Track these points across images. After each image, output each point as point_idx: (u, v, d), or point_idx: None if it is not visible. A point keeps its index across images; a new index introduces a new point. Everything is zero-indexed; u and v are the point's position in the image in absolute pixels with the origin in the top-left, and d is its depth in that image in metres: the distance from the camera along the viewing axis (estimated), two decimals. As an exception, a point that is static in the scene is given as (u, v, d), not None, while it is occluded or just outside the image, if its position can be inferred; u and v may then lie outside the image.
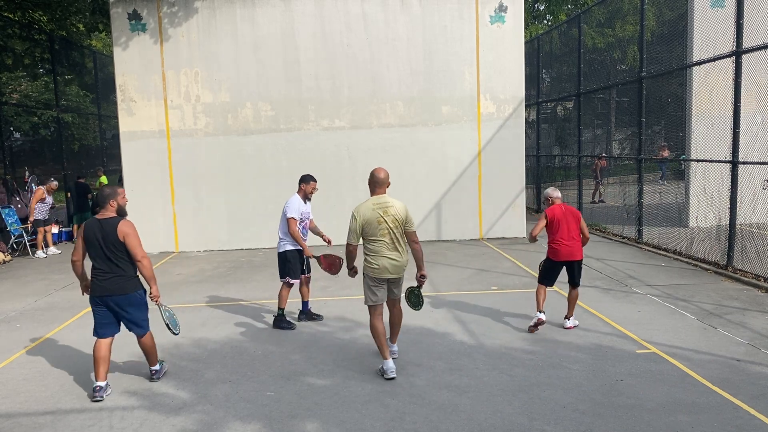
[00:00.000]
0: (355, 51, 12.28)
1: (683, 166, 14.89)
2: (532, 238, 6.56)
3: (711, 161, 10.42)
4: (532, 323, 6.48)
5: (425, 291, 8.19)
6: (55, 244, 12.91)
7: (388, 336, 5.70)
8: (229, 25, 12.11)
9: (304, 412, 4.71)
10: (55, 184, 12.96)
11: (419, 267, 5.43)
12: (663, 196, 15.98)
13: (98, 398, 4.99)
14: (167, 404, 4.92)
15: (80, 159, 22.06)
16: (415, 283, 5.58)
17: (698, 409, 4.56)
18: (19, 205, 13.69)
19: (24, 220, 13.00)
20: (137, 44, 12.06)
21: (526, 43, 14.85)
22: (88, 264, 5.09)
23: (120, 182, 14.46)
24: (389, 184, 5.43)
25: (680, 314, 6.99)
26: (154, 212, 12.28)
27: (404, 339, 6.15)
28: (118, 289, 5.01)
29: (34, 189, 13.42)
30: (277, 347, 6.24)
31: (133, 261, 5.06)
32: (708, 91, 12.10)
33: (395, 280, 5.42)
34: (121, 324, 5.22)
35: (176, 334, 5.50)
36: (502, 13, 12.32)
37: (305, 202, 6.85)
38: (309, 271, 7.04)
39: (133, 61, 12.09)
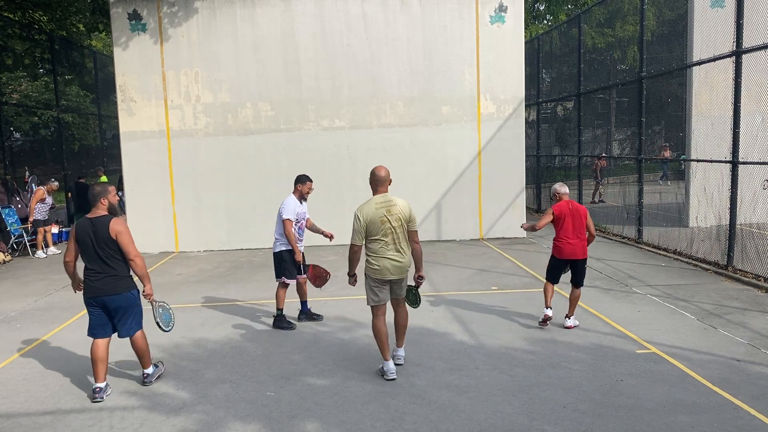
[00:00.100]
0: (355, 51, 12.28)
1: (683, 166, 14.88)
2: (532, 228, 6.58)
3: (711, 161, 10.42)
4: (540, 319, 6.59)
5: (425, 291, 8.21)
6: (55, 244, 12.91)
7: (395, 342, 5.65)
8: (229, 25, 12.11)
9: (304, 412, 4.71)
10: (55, 184, 12.97)
11: (417, 268, 5.41)
12: (663, 196, 15.98)
13: (98, 399, 4.98)
14: (167, 404, 4.92)
15: (80, 159, 22.05)
16: (413, 283, 5.57)
17: (698, 410, 4.56)
18: (20, 206, 13.70)
19: (24, 220, 13.01)
20: (137, 44, 12.06)
21: (526, 43, 14.85)
22: (81, 265, 5.03)
23: (120, 182, 14.48)
24: (391, 181, 5.39)
25: (680, 314, 6.99)
26: (154, 212, 12.29)
27: (405, 339, 6.15)
28: (110, 289, 4.95)
29: (35, 189, 13.42)
30: (277, 347, 6.24)
31: (126, 260, 4.99)
32: (708, 91, 12.10)
33: (398, 281, 5.37)
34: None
35: (166, 332, 5.43)
36: (502, 13, 12.32)
37: (301, 203, 6.84)
38: (305, 272, 7.03)
39: (133, 61, 12.09)
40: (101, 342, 5.05)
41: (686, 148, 12.87)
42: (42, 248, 12.33)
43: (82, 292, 5.13)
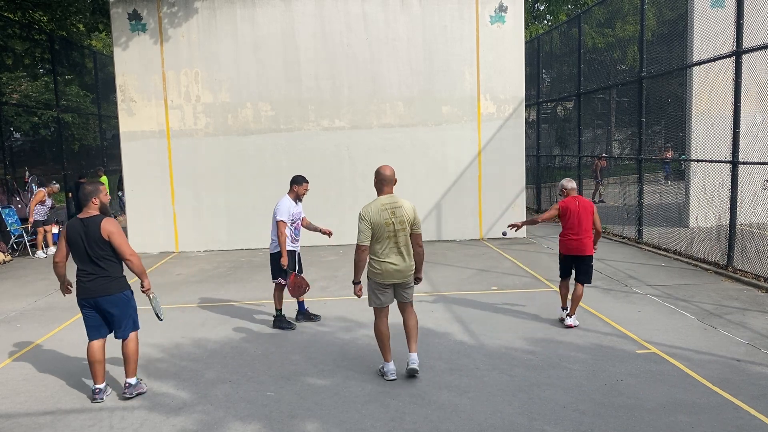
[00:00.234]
0: (355, 51, 12.28)
1: (683, 166, 14.88)
2: (533, 222, 6.66)
3: (711, 161, 10.42)
4: (559, 318, 6.81)
5: (425, 291, 8.22)
6: (55, 244, 12.89)
7: (407, 347, 5.52)
8: (229, 25, 12.11)
9: (304, 412, 4.71)
10: (56, 187, 13.00)
11: (417, 269, 5.37)
12: (663, 196, 15.98)
13: (98, 400, 4.97)
14: (167, 404, 4.92)
15: (80, 159, 22.02)
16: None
17: (698, 410, 4.56)
18: (19, 206, 13.70)
19: (24, 220, 13.01)
20: (137, 44, 12.06)
21: (526, 43, 14.84)
22: (73, 267, 4.92)
23: (120, 182, 14.48)
24: (396, 181, 5.31)
25: (680, 314, 6.99)
26: (154, 212, 12.29)
27: (404, 339, 6.13)
28: (101, 290, 4.85)
29: (35, 189, 13.43)
30: (277, 347, 6.24)
31: (118, 260, 4.90)
32: (708, 91, 12.10)
33: (401, 284, 5.29)
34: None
35: (161, 320, 5.35)
36: (502, 13, 12.32)
37: (296, 203, 6.82)
38: (301, 272, 7.01)
39: (133, 61, 12.09)
40: (96, 343, 4.98)
41: (686, 148, 12.87)
42: (42, 248, 12.33)
43: (72, 294, 5.05)
